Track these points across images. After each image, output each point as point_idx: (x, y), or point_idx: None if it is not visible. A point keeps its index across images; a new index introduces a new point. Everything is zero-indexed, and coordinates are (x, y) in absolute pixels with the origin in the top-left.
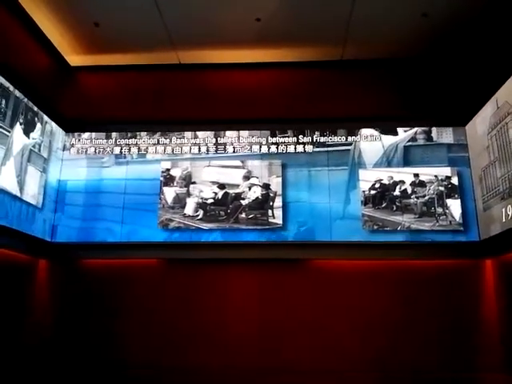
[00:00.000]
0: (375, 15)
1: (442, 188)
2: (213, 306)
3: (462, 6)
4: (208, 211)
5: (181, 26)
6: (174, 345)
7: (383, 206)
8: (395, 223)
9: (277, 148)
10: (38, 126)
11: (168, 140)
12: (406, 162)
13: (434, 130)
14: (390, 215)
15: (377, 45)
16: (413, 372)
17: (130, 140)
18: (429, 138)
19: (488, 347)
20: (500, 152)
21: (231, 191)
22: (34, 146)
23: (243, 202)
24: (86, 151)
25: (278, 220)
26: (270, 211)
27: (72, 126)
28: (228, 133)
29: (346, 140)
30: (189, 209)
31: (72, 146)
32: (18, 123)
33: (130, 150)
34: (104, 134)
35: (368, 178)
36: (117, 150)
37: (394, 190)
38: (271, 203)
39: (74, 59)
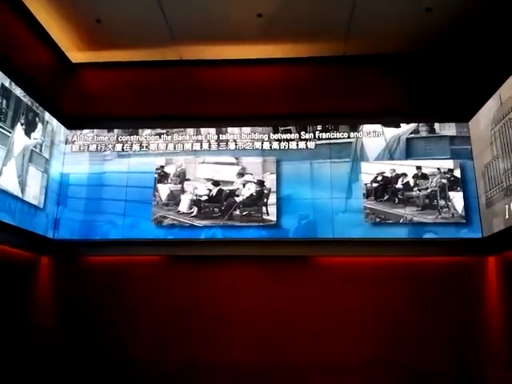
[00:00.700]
0: (378, 10)
1: (444, 180)
2: (215, 302)
3: (466, 1)
4: (202, 208)
5: (182, 21)
6: (176, 341)
7: (385, 198)
8: (397, 216)
9: (279, 145)
10: (39, 126)
11: (170, 137)
12: (409, 154)
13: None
14: (392, 208)
15: (380, 40)
16: (415, 370)
17: (132, 137)
18: (431, 130)
19: (492, 345)
20: (503, 148)
21: (225, 188)
22: (35, 147)
23: (237, 199)
24: (88, 147)
25: (272, 217)
26: (264, 208)
27: (73, 122)
28: (229, 129)
29: (349, 137)
30: (183, 206)
31: (73, 142)
32: (19, 123)
33: (131, 146)
34: (105, 130)
35: (370, 171)
36: (118, 147)
37: (397, 183)
38: (265, 200)
39: (76, 55)
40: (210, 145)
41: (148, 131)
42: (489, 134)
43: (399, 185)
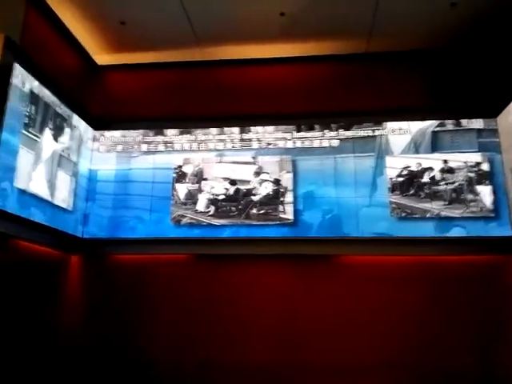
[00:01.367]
0: (402, 6)
1: (471, 174)
2: (236, 301)
3: None
4: (219, 207)
5: (205, 22)
6: (197, 340)
7: (411, 193)
8: (424, 210)
9: (302, 143)
10: (67, 130)
11: (193, 137)
12: (435, 147)
13: None
14: (418, 202)
15: (403, 37)
16: (439, 371)
17: (157, 137)
18: (458, 122)
19: None
20: None
21: (242, 187)
22: (63, 151)
23: (254, 198)
24: (115, 148)
25: (289, 215)
26: (280, 206)
27: (100, 123)
28: (252, 128)
29: (373, 133)
30: (200, 205)
31: (99, 140)
32: (47, 129)
33: (156, 146)
34: (131, 130)
35: (395, 165)
36: (144, 147)
37: (423, 177)
38: (282, 198)
39: (101, 58)
40: (233, 144)
41: (172, 131)
42: None
43: (425, 179)
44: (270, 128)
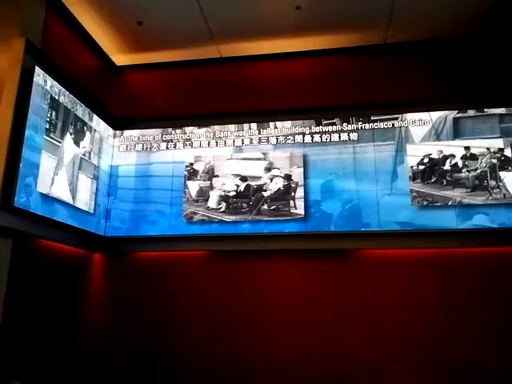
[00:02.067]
0: None
1: (494, 160)
2: (258, 297)
3: None
4: (231, 203)
5: (220, 18)
6: (220, 335)
7: (433, 180)
8: (446, 198)
9: (320, 138)
10: (87, 134)
11: (212, 134)
12: (456, 134)
13: None
14: (440, 190)
15: (422, 26)
16: (459, 364)
17: (175, 135)
18: (479, 108)
19: None
20: None
21: (253, 183)
22: (84, 155)
23: (265, 194)
24: (135, 146)
25: (300, 210)
26: (291, 202)
27: (120, 123)
28: (271, 124)
29: (393, 126)
30: (212, 202)
31: (120, 136)
32: (68, 133)
33: (175, 145)
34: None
35: (416, 153)
36: (163, 145)
37: (444, 165)
38: (293, 194)
39: (119, 58)
40: (251, 140)
41: (191, 128)
42: None
43: (447, 166)
44: (288, 123)
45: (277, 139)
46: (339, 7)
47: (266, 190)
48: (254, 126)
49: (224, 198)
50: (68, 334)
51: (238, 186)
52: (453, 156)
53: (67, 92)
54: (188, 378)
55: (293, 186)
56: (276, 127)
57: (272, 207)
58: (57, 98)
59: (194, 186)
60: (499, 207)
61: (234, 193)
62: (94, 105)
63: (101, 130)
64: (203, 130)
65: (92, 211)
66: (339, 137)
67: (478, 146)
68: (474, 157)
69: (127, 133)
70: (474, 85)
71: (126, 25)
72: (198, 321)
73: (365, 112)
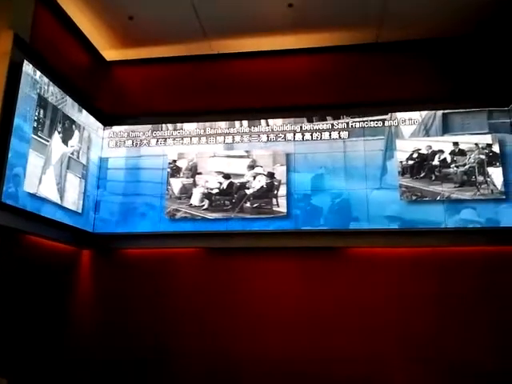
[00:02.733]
0: None
1: (482, 156)
2: (251, 294)
3: None
4: (213, 201)
5: (213, 15)
6: (207, 332)
7: (422, 175)
8: (434, 193)
9: (311, 136)
10: (76, 133)
11: (202, 130)
12: (445, 129)
13: None
14: (428, 185)
15: (414, 25)
16: (456, 363)
17: (166, 132)
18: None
19: None
20: None
21: (236, 181)
22: (72, 154)
23: (248, 192)
24: (124, 143)
25: (283, 208)
26: (274, 200)
27: (109, 119)
28: (262, 121)
29: (383, 125)
30: (194, 199)
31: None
32: (56, 132)
33: (165, 141)
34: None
35: (405, 149)
36: (153, 142)
37: (433, 160)
38: (275, 192)
39: (110, 53)
40: (242, 137)
41: (181, 125)
42: None
43: (436, 162)
44: (279, 121)
45: (268, 137)
46: (331, 5)
47: (248, 188)
48: (245, 123)
49: (207, 196)
50: (56, 331)
51: (221, 183)
52: (441, 151)
53: (56, 89)
54: (178, 375)
55: (276, 184)
56: (268, 125)
57: (255, 205)
58: (45, 95)
59: (176, 183)
60: (487, 202)
61: (217, 190)
62: (83, 100)
63: (90, 122)
64: (193, 126)
65: (80, 211)
66: (330, 135)
67: (466, 141)
68: (462, 152)
69: (117, 128)
70: (465, 85)
71: (116, 19)
72: (188, 318)
73: (356, 110)
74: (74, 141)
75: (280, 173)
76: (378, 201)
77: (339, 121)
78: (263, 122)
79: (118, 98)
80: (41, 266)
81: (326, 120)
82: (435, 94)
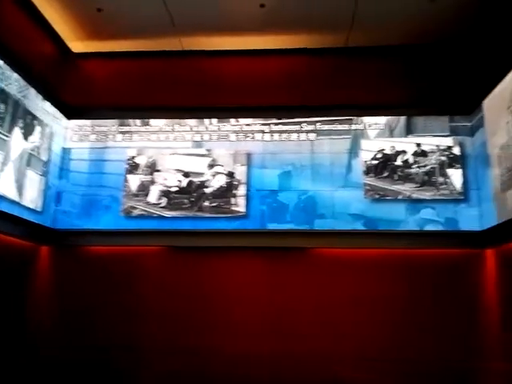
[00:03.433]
0: (382, 1)
1: (443, 158)
2: (217, 292)
3: None
4: (172, 199)
5: (184, 11)
6: (175, 329)
7: (385, 175)
8: (396, 192)
9: (279, 136)
10: (38, 129)
11: (170, 127)
12: (409, 131)
13: None
14: (391, 184)
15: (383, 31)
16: (414, 361)
17: (132, 127)
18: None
19: (490, 335)
20: None
21: (196, 179)
22: (33, 150)
23: (207, 190)
24: (88, 137)
25: (242, 208)
26: (233, 199)
27: (74, 112)
28: (232, 120)
29: (350, 127)
30: (152, 196)
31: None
32: (16, 127)
33: (131, 136)
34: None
35: (370, 148)
36: (119, 137)
37: (396, 160)
38: (235, 191)
39: (77, 45)
40: (210, 136)
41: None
42: (506, 113)
43: (399, 162)
44: (249, 120)
45: (237, 135)
46: (303, 7)
47: (208, 187)
48: (214, 121)
49: (165, 193)
50: (13, 331)
51: (180, 181)
52: (404, 152)
53: (18, 84)
54: (139, 373)
55: (235, 183)
56: (238, 122)
57: (213, 204)
58: (6, 89)
59: (134, 180)
60: (446, 202)
61: (176, 188)
62: (46, 91)
63: (53, 111)
64: (162, 122)
65: (40, 209)
66: (298, 136)
67: (428, 143)
68: (424, 153)
69: (81, 122)
70: (432, 91)
71: (84, 11)
72: (150, 317)
73: (323, 113)
74: (35, 136)
75: (240, 172)
76: (342, 199)
77: (307, 123)
78: (233, 120)
79: (83, 91)
80: None
81: (294, 120)
82: (400, 99)
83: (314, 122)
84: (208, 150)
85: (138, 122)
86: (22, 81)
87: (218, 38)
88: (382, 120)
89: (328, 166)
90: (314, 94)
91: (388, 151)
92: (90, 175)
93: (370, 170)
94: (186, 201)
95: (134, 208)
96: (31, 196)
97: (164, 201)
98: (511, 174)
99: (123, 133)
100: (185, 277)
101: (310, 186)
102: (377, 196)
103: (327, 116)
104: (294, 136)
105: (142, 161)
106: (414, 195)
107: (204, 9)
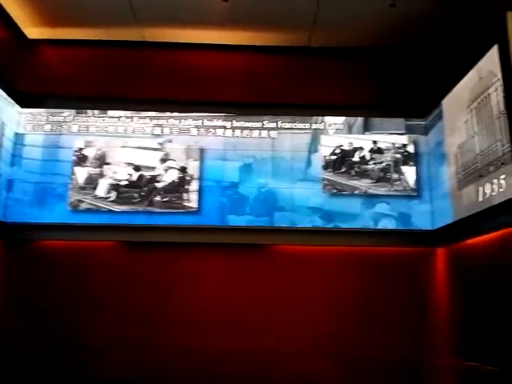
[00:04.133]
0: (343, 3)
1: (398, 155)
2: (172, 288)
3: None
4: (121, 193)
5: (146, 2)
6: (131, 323)
7: (342, 170)
8: (353, 187)
9: (241, 132)
10: None
11: (129, 119)
12: (366, 128)
13: None
14: (348, 180)
15: (345, 33)
16: (367, 356)
17: (89, 118)
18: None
19: (440, 333)
20: (481, 125)
21: (147, 173)
22: None
23: (158, 185)
24: (43, 127)
25: (194, 203)
26: (185, 194)
27: (27, 100)
28: (191, 115)
29: (311, 127)
30: (101, 190)
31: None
32: None
33: (87, 128)
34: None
35: (329, 144)
36: (75, 128)
37: (353, 156)
38: (187, 186)
39: (32, 31)
40: (171, 130)
41: (108, 112)
42: (464, 113)
43: (356, 158)
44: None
45: (198, 130)
46: (266, 5)
47: (159, 181)
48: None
49: (114, 187)
50: None
51: (130, 175)
52: (362, 148)
53: None
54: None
55: (187, 178)
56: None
57: (165, 199)
58: None
59: (82, 173)
60: (399, 198)
61: (126, 182)
62: None
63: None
64: (121, 114)
65: None
66: (259, 133)
67: (384, 140)
68: (380, 150)
69: (35, 110)
70: (389, 93)
71: None
72: (103, 311)
73: (283, 111)
74: None
75: (193, 167)
76: (300, 193)
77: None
78: (195, 115)
79: (39, 79)
80: None
81: (253, 117)
82: (360, 100)
83: (276, 121)
84: (160, 144)
85: (95, 112)
86: None
87: (180, 30)
88: (340, 120)
89: (287, 160)
90: (273, 91)
91: (346, 147)
92: (45, 162)
93: (328, 165)
94: (136, 195)
95: (81, 202)
96: None
97: (113, 195)
98: (467, 172)
99: (78, 124)
100: (139, 272)
101: (265, 182)
102: (334, 190)
103: (288, 114)
104: (256, 133)
105: (90, 153)
106: (370, 190)
107: (166, 1)
